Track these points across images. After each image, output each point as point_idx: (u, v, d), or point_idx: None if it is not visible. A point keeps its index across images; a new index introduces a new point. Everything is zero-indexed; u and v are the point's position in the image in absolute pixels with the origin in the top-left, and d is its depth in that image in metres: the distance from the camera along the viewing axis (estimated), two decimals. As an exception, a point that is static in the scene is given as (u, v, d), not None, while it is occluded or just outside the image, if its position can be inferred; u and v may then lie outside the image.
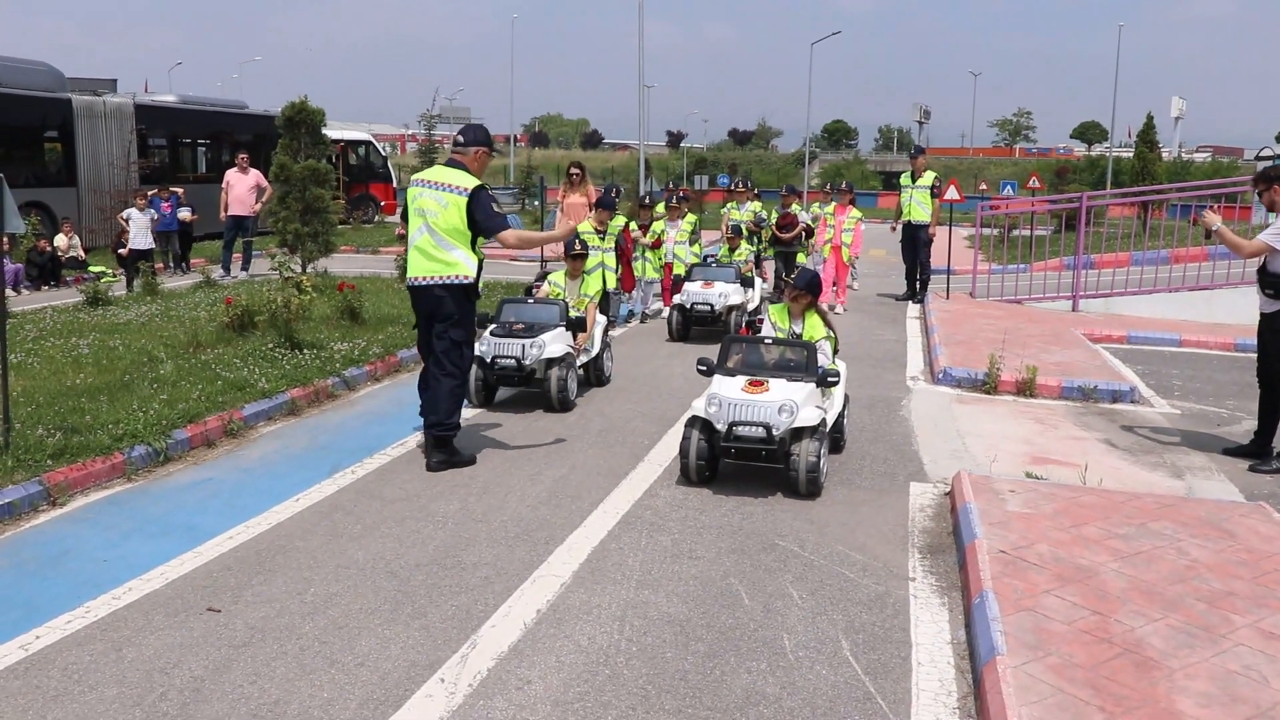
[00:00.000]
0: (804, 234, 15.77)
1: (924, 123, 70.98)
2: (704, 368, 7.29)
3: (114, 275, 17.60)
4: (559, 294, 10.17)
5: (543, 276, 10.66)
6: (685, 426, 7.08)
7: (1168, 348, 13.14)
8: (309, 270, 15.88)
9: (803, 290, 7.81)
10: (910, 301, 16.35)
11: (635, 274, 13.69)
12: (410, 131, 34.89)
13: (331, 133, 34.10)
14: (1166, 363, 12.15)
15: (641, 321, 14.14)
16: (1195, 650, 4.44)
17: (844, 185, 16.61)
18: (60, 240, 18.81)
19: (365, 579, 5.50)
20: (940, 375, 10.60)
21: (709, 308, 12.69)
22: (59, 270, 17.84)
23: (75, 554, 5.89)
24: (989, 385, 10.13)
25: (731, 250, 14.61)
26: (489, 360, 9.01)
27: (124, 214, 17.47)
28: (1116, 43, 79.51)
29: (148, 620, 5.02)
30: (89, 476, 6.98)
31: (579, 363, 9.63)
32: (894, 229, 16.72)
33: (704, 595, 5.32)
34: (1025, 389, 10.03)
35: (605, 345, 10.33)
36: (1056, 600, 4.90)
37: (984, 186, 40.10)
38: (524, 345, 8.94)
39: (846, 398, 8.01)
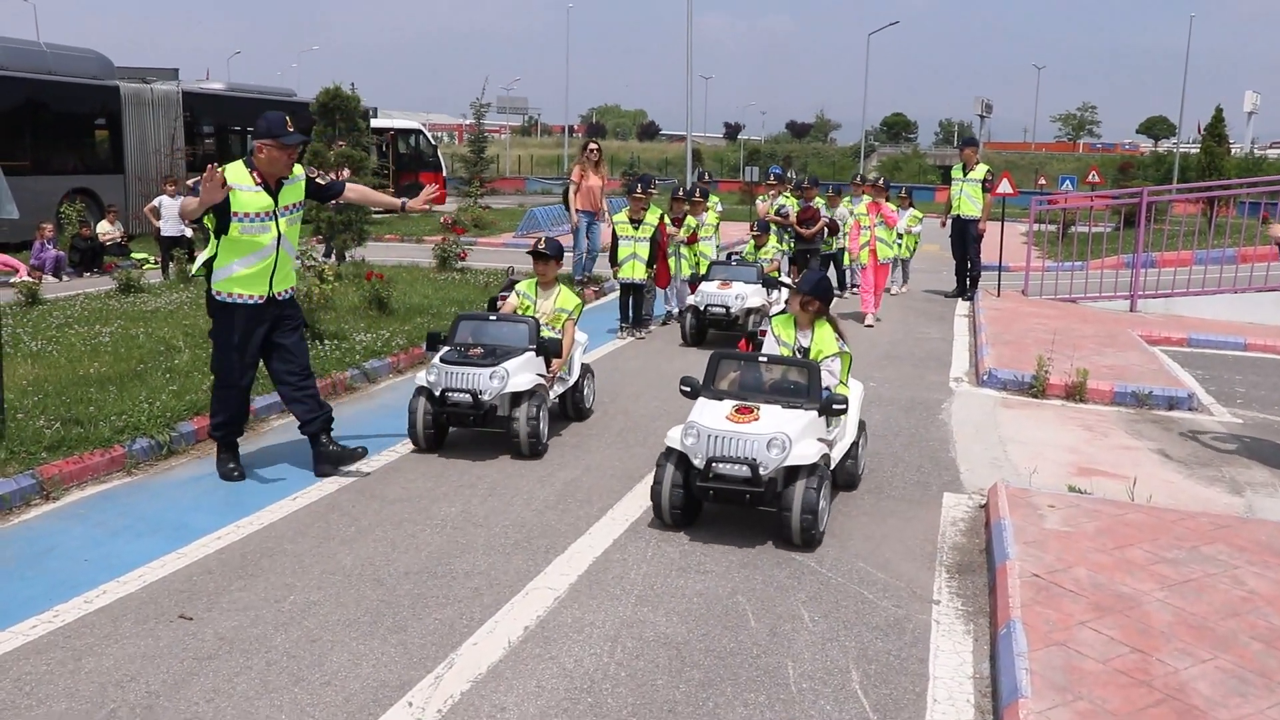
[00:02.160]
0: (825, 230, 14.95)
1: (985, 117, 69.68)
2: (688, 389, 6.20)
3: (154, 262, 17.54)
4: (528, 309, 8.30)
5: (510, 286, 8.74)
6: (659, 461, 5.98)
7: (1231, 351, 12.45)
8: (346, 258, 15.68)
9: (810, 295, 6.57)
10: (959, 299, 15.78)
11: (670, 270, 13.07)
12: (468, 121, 34.68)
13: (382, 122, 34.39)
14: (1229, 368, 11.50)
15: (664, 323, 13.34)
16: (1248, 700, 3.96)
17: (879, 180, 15.58)
18: (104, 227, 18.82)
19: (349, 587, 5.18)
20: (985, 377, 10.08)
21: (724, 310, 11.79)
22: (102, 257, 17.83)
23: (58, 552, 5.64)
24: (1036, 388, 9.61)
25: (757, 248, 13.98)
26: (438, 394, 7.28)
27: (154, 201, 17.40)
28: (1187, 35, 77.41)
29: (115, 627, 4.74)
30: (85, 470, 6.75)
31: (553, 394, 7.91)
32: (944, 224, 16.14)
33: (707, 614, 4.92)
34: (1075, 393, 9.49)
35: (585, 371, 8.58)
36: (1092, 634, 4.44)
37: (1042, 182, 39.00)
38: (482, 375, 7.21)
39: (863, 426, 6.90)
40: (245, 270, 6.62)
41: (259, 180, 6.60)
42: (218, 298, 6.68)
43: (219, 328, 6.78)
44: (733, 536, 5.90)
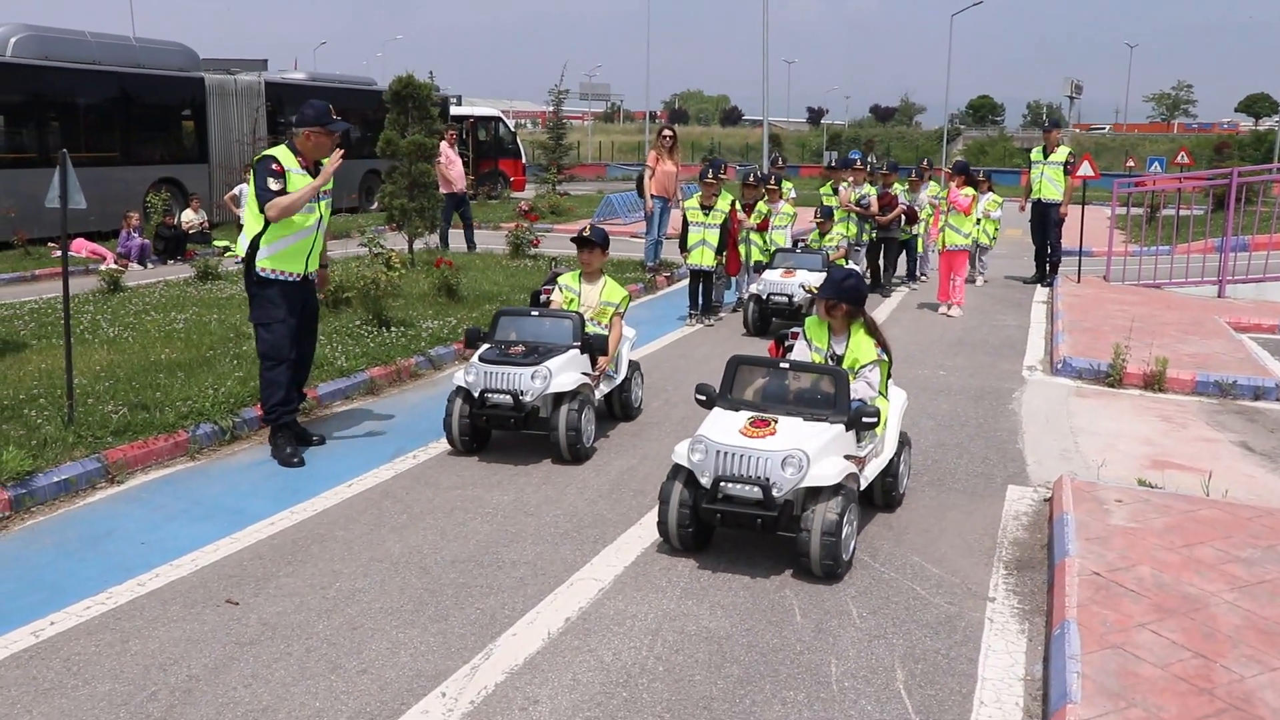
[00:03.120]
0: (903, 217, 14.52)
1: (1075, 98, 67.55)
2: (703, 397, 5.61)
3: (234, 249, 17.86)
4: (572, 302, 7.97)
5: (553, 280, 8.27)
6: (667, 478, 5.45)
7: (1326, 339, 11.92)
8: (418, 245, 15.80)
9: (834, 299, 5.86)
10: (1039, 285, 15.36)
11: (740, 258, 12.89)
12: (550, 108, 34.89)
13: (461, 110, 34.62)
14: (1322, 356, 11.01)
15: (734, 310, 13.11)
16: (1315, 708, 3.75)
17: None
18: (188, 215, 19.25)
19: (395, 575, 5.18)
20: (1059, 365, 9.77)
21: (786, 299, 11.46)
22: (185, 244, 18.23)
23: (117, 535, 5.74)
24: (1113, 377, 9.29)
25: (822, 235, 13.57)
26: (477, 395, 6.94)
27: (234, 190, 17.72)
28: (1290, 10, 74.33)
29: (164, 610, 4.80)
30: (150, 455, 6.87)
31: (599, 393, 7.54)
32: (1023, 208, 15.71)
33: (752, 609, 4.82)
34: (1154, 382, 9.15)
35: (634, 368, 8.13)
36: (1152, 636, 4.24)
37: (1131, 164, 37.82)
38: (523, 375, 6.89)
39: (905, 440, 6.20)
40: (288, 248, 6.90)
41: (303, 164, 6.89)
42: (261, 274, 6.89)
43: (264, 306, 6.96)
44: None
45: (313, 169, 6.92)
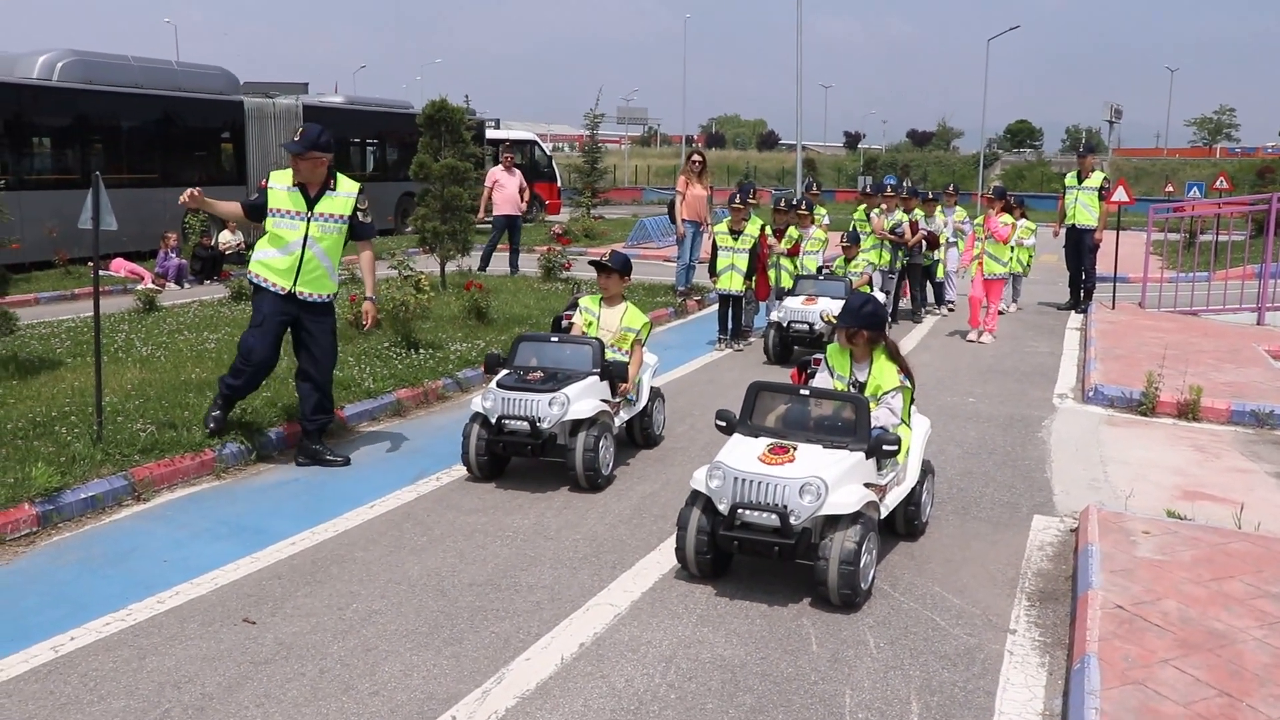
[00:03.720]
0: (924, 243, 14.30)
1: (1115, 122, 67.33)
2: (723, 423, 5.61)
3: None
4: (591, 325, 7.85)
5: (574, 305, 8.16)
6: (685, 505, 5.40)
7: (1367, 369, 11.69)
8: (450, 268, 15.89)
9: (854, 326, 5.82)
10: (1072, 311, 15.21)
11: (770, 283, 12.83)
12: (590, 132, 35.19)
13: (497, 133, 34.89)
14: (1362, 387, 10.79)
15: (761, 336, 13.08)
16: (1340, 749, 3.66)
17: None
18: (224, 236, 19.48)
19: (412, 597, 5.18)
20: (1091, 393, 9.66)
21: (807, 327, 11.23)
22: (221, 265, 18.44)
23: (140, 552, 5.79)
24: (1145, 406, 9.16)
25: (847, 260, 13.32)
26: (494, 421, 6.92)
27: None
28: (1334, 36, 73.50)
29: (181, 628, 4.83)
30: (176, 473, 6.93)
31: (620, 420, 7.48)
32: (1056, 233, 15.58)
33: (768, 637, 4.78)
34: (1187, 411, 9.02)
35: (655, 395, 8.01)
36: (1175, 673, 4.16)
37: (1170, 189, 37.38)
38: (541, 401, 6.84)
39: (928, 469, 6.15)
40: (272, 259, 7.24)
41: (297, 183, 7.22)
42: (248, 275, 7.48)
43: (253, 306, 7.45)
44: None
45: (311, 192, 7.22)
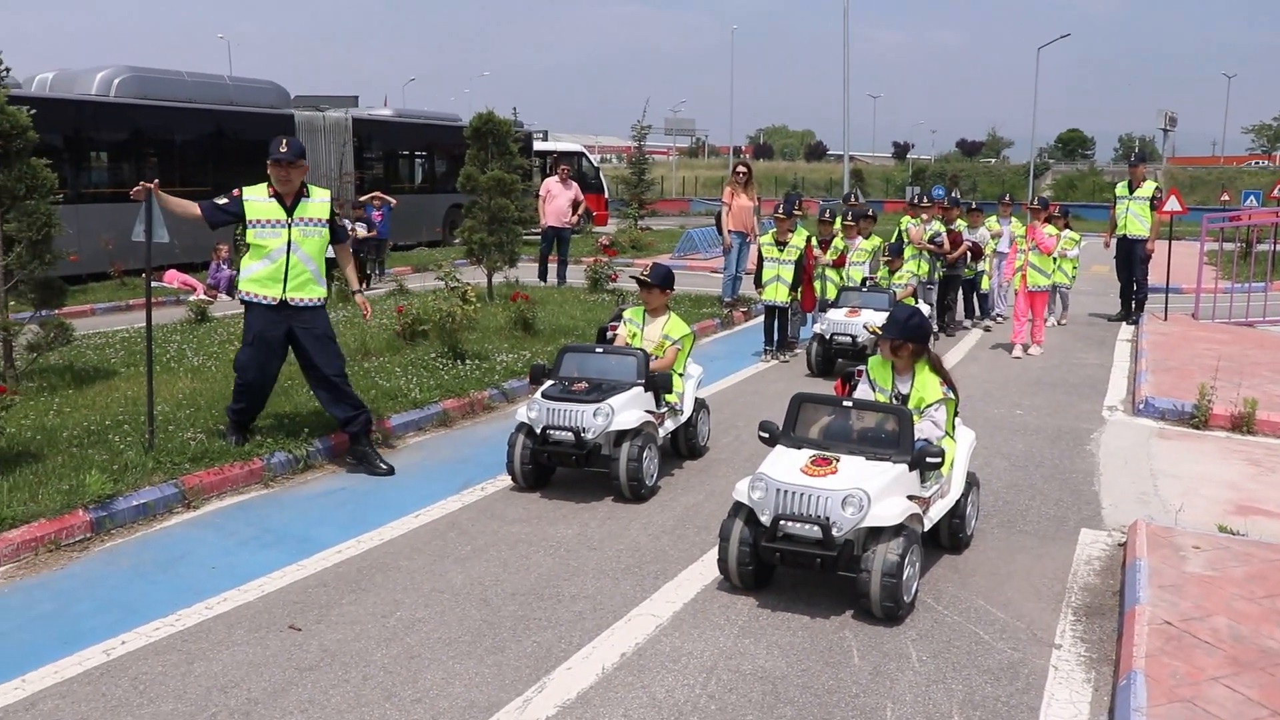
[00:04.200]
0: (968, 255, 14.12)
1: (1169, 130, 66.26)
2: (766, 434, 5.62)
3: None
4: (635, 336, 7.88)
5: (618, 316, 8.21)
6: (728, 516, 5.43)
7: None
8: (497, 279, 16.01)
9: (899, 338, 5.83)
10: (1123, 322, 15.00)
11: (815, 294, 12.76)
12: (637, 143, 35.44)
13: (545, 145, 35.15)
14: None
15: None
16: (1393, 769, 3.58)
17: (1038, 201, 14.04)
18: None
19: (455, 605, 5.22)
20: (1141, 406, 9.52)
21: (850, 339, 11.13)
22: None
23: (189, 559, 5.89)
24: (1198, 419, 9.01)
25: (891, 272, 13.01)
26: (539, 431, 6.96)
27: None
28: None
29: (229, 634, 4.90)
30: (225, 481, 7.04)
31: (664, 431, 7.47)
32: (1107, 244, 15.38)
33: (810, 649, 4.76)
34: (1242, 424, 8.86)
35: (700, 406, 8.04)
36: (1225, 691, 4.09)
37: (1226, 198, 36.72)
38: (585, 412, 6.88)
39: (973, 481, 6.09)
40: (260, 272, 7.37)
41: (273, 193, 7.37)
42: (239, 296, 7.54)
43: (246, 324, 7.56)
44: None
45: (288, 200, 7.39)
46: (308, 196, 7.49)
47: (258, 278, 7.38)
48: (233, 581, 5.53)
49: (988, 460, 7.75)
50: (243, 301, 7.52)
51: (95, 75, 19.71)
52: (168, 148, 20.71)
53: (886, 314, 10.74)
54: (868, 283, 12.69)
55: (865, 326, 11.01)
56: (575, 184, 19.25)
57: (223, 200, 7.40)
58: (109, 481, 6.44)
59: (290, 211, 7.36)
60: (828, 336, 11.35)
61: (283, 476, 7.38)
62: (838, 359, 11.45)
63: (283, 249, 7.34)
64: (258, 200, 7.34)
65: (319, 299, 7.53)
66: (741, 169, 14.84)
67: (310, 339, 7.49)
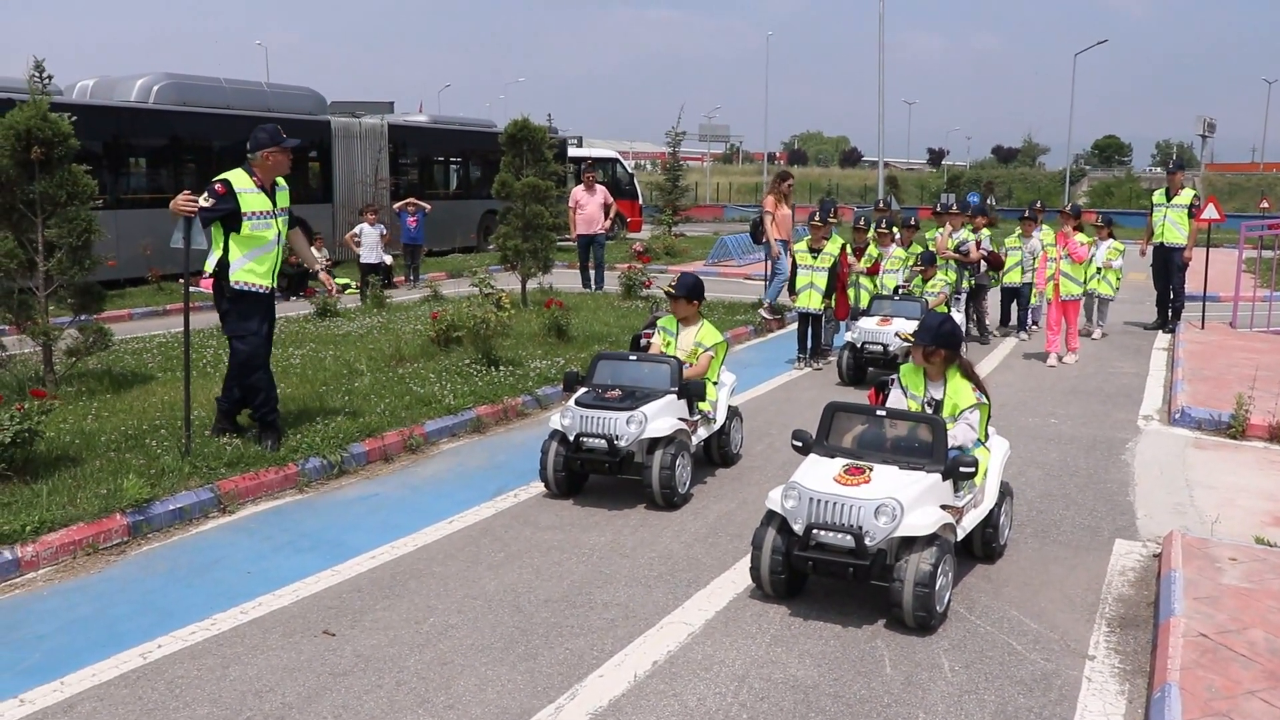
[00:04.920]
0: (983, 262, 13.81)
1: (1208, 137, 65.35)
2: (799, 443, 5.62)
3: (354, 287, 18.44)
4: (669, 345, 7.87)
5: (652, 324, 8.22)
6: (760, 524, 5.43)
7: None
8: (531, 285, 16.07)
9: (932, 344, 5.84)
10: (1160, 331, 14.85)
11: (849, 301, 12.70)
12: (671, 149, 35.46)
13: (579, 151, 35.21)
14: None
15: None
16: None
17: (1068, 208, 13.70)
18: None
19: (488, 612, 5.25)
20: (1178, 415, 9.42)
21: (882, 348, 11.06)
22: (307, 281, 18.86)
23: (225, 563, 5.96)
24: (1235, 429, 8.91)
25: (924, 280, 12.89)
26: (572, 439, 7.00)
27: (354, 230, 18.33)
28: None
29: (264, 639, 4.95)
30: (260, 486, 7.12)
31: (698, 438, 7.49)
32: (1143, 252, 15.22)
33: (842, 658, 4.76)
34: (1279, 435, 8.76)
35: (733, 414, 8.03)
36: (1262, 705, 4.05)
37: (1265, 205, 36.27)
38: (619, 420, 6.90)
39: (1007, 490, 6.06)
40: (255, 263, 7.47)
41: (258, 183, 7.46)
42: (237, 286, 7.44)
43: (239, 319, 7.52)
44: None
45: (270, 189, 7.50)
46: (279, 186, 7.69)
47: (256, 269, 7.50)
48: (267, 586, 5.59)
49: (1021, 469, 7.70)
50: (239, 292, 7.45)
51: (135, 82, 19.97)
52: (205, 154, 20.92)
53: (918, 322, 10.80)
54: (900, 291, 12.62)
55: (897, 334, 10.97)
56: (602, 188, 19.25)
57: (213, 202, 7.23)
58: (146, 486, 6.52)
59: (273, 202, 7.57)
60: (859, 345, 11.30)
61: (317, 482, 7.45)
62: (869, 368, 11.41)
63: (275, 241, 7.54)
64: (249, 193, 7.42)
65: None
66: (790, 182, 14.74)
67: (272, 324, 7.84)
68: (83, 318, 9.50)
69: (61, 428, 7.83)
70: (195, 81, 20.97)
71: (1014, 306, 14.60)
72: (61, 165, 8.97)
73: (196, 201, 7.11)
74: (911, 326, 10.56)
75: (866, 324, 11.44)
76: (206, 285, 16.48)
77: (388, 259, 18.79)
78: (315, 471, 7.48)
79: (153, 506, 6.45)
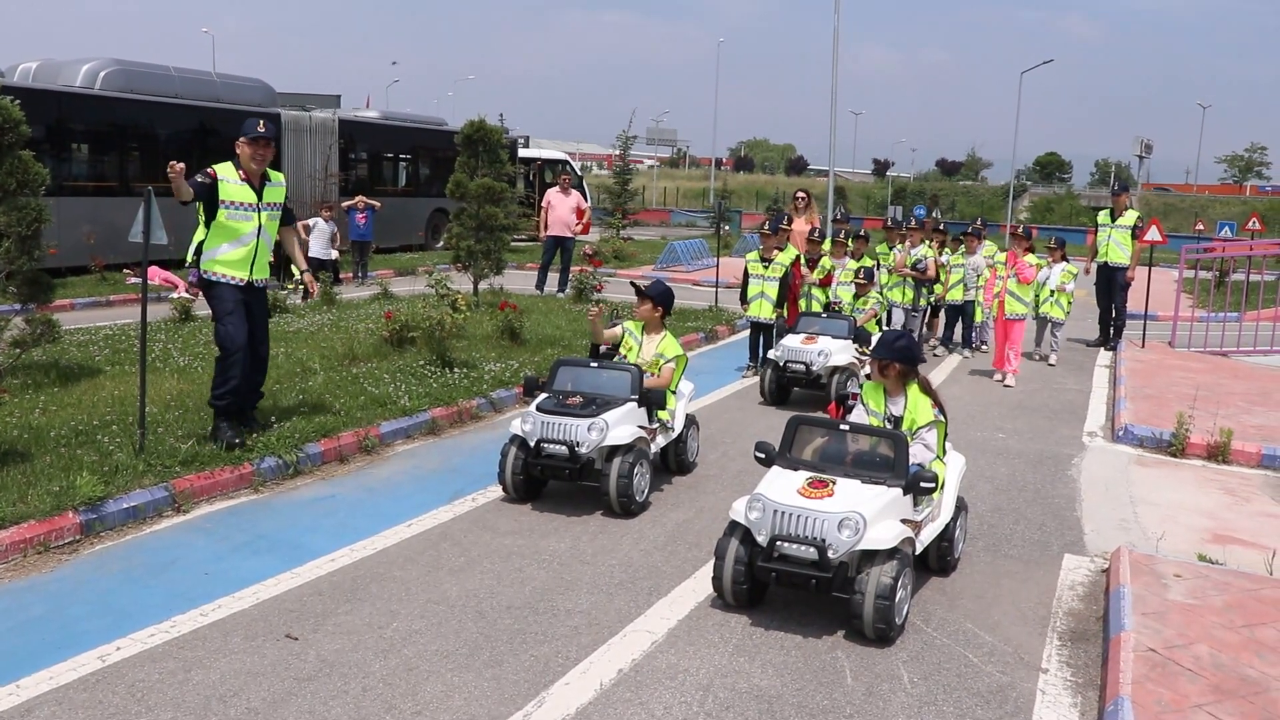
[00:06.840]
0: (929, 279, 13.82)
1: (1145, 157, 66.89)
2: (762, 455, 5.65)
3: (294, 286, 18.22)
4: (632, 351, 7.93)
5: (617, 323, 8.31)
6: (723, 534, 5.49)
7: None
8: (482, 286, 16.02)
9: (887, 358, 5.94)
10: (1102, 348, 15.19)
11: (800, 312, 12.77)
12: (617, 151, 35.45)
13: (528, 152, 35.11)
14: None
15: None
16: (1374, 801, 3.68)
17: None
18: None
19: (451, 618, 5.26)
20: (1121, 432, 9.67)
21: (804, 367, 10.51)
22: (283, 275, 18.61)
23: (181, 564, 5.89)
24: (1175, 447, 9.16)
25: (856, 296, 12.46)
26: (533, 444, 7.01)
27: (305, 221, 18.14)
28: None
29: (225, 642, 4.91)
30: (215, 485, 7.05)
31: (656, 446, 7.53)
32: (1087, 270, 15.55)
33: (804, 669, 4.83)
34: (1217, 454, 9.02)
35: (690, 422, 8.09)
36: (1208, 718, 4.19)
37: (1200, 227, 37.16)
38: (580, 426, 6.92)
39: (962, 505, 6.22)
40: (229, 254, 7.53)
41: (243, 176, 7.55)
42: (206, 276, 7.56)
43: (214, 303, 7.61)
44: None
45: (255, 182, 7.58)
46: (270, 181, 7.72)
47: (227, 260, 7.54)
48: (226, 588, 5.55)
49: (972, 483, 7.85)
50: (206, 281, 7.57)
51: (80, 67, 19.58)
52: (151, 143, 20.59)
53: (844, 342, 10.77)
54: (830, 308, 12.46)
55: (857, 350, 10.89)
56: (576, 192, 19.33)
57: (200, 178, 7.42)
58: (100, 483, 6.42)
59: (260, 195, 7.59)
60: (781, 364, 10.77)
61: (272, 481, 7.39)
62: (792, 387, 10.99)
63: (254, 234, 7.58)
64: (231, 183, 7.49)
65: (268, 279, 7.88)
66: (801, 195, 14.74)
67: (259, 317, 7.82)
68: (30, 307, 9.30)
69: (8, 421, 7.69)
70: (143, 69, 20.62)
71: (959, 324, 14.74)
72: (11, 152, 8.78)
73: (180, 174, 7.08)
74: (837, 345, 10.67)
75: (790, 342, 10.91)
76: (151, 275, 16.08)
77: (334, 254, 18.62)
78: (270, 471, 7.42)
79: (105, 505, 6.35)
